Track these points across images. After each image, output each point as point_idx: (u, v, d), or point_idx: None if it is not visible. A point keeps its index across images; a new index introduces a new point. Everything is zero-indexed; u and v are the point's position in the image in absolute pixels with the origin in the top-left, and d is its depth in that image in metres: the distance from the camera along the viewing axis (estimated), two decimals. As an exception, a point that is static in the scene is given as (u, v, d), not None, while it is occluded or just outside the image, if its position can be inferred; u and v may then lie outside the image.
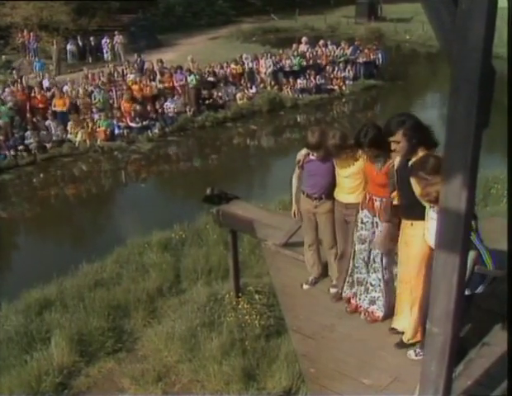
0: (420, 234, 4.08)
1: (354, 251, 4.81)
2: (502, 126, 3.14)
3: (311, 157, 5.08)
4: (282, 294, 5.41)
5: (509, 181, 3.60)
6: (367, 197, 4.64)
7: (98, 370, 6.08)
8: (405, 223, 4.27)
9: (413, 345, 4.35)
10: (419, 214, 4.01)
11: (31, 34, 24.22)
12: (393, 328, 4.57)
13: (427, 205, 3.86)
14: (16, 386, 5.67)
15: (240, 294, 6.85)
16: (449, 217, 2.79)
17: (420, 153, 4.04)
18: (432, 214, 3.81)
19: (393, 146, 4.16)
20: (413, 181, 3.88)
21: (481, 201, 9.75)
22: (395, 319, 4.57)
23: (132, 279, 7.92)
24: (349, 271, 4.92)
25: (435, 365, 3.10)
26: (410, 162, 4.10)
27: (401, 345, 4.41)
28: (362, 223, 4.70)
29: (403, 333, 4.45)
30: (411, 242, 4.21)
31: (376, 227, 4.62)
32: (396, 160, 4.31)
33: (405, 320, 4.42)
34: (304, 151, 5.16)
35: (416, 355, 4.23)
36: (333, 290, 5.23)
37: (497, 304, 4.30)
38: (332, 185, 5.01)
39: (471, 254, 3.30)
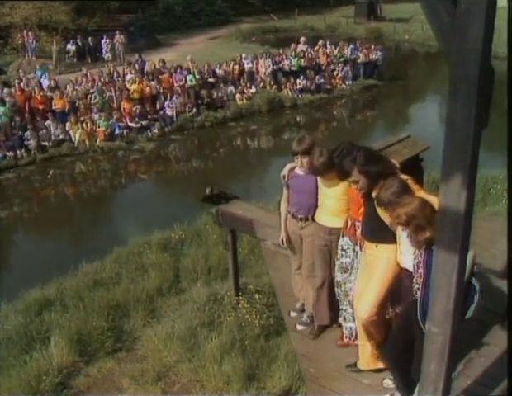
0: (385, 257, 3.93)
1: (337, 281, 4.50)
2: (502, 126, 3.15)
3: (297, 171, 4.70)
4: (281, 294, 5.42)
5: (509, 181, 3.60)
6: (350, 223, 4.29)
7: (98, 369, 6.07)
8: (369, 245, 4.06)
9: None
10: (384, 237, 3.87)
11: (30, 33, 24.20)
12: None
13: (398, 228, 3.71)
14: (16, 386, 5.66)
15: (240, 294, 6.85)
16: (449, 217, 2.79)
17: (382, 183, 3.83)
18: (403, 238, 3.68)
19: (353, 185, 3.97)
20: (380, 209, 3.75)
21: (481, 201, 9.77)
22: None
23: (132, 279, 7.92)
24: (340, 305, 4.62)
25: (434, 364, 3.10)
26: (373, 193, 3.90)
27: (354, 368, 4.23)
28: (342, 250, 4.37)
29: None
30: (374, 263, 4.01)
31: (356, 256, 4.29)
32: None
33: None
34: (289, 166, 4.77)
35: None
36: (300, 326, 4.96)
37: (497, 304, 4.31)
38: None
39: (471, 254, 3.30)
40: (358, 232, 4.20)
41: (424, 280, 3.43)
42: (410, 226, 3.40)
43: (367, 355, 4.18)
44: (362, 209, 4.13)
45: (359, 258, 4.26)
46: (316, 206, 4.60)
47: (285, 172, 4.78)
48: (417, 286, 3.53)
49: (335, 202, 4.43)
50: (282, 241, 4.98)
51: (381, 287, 3.96)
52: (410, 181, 3.79)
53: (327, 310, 4.72)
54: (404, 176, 3.85)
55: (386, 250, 3.92)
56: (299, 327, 4.99)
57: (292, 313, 5.21)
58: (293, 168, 4.74)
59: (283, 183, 4.82)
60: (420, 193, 3.68)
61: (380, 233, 3.90)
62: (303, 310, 5.10)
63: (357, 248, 4.26)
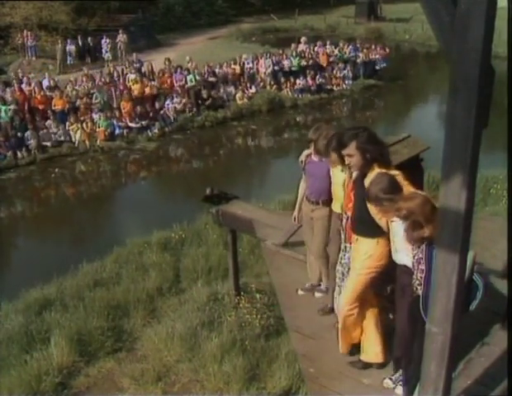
0: (363, 252, 3.97)
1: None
2: (502, 126, 3.15)
3: (313, 158, 4.95)
4: (281, 294, 5.41)
5: (509, 181, 3.60)
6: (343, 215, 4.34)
7: (98, 369, 6.07)
8: (353, 237, 4.10)
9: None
10: (365, 231, 3.93)
11: (30, 33, 24.19)
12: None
13: (392, 225, 3.73)
14: (16, 386, 5.66)
15: (241, 294, 6.86)
16: (449, 217, 2.79)
17: (376, 170, 3.84)
18: (399, 231, 3.67)
19: (347, 160, 3.95)
20: (370, 202, 3.77)
21: (481, 201, 9.77)
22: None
23: (132, 279, 7.92)
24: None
25: (435, 364, 3.10)
26: (365, 179, 3.91)
27: (361, 364, 4.21)
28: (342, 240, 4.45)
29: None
30: (355, 258, 4.07)
31: (344, 250, 4.33)
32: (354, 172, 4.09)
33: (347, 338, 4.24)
34: (306, 152, 5.04)
35: (394, 383, 3.95)
36: (319, 293, 5.18)
37: (497, 304, 4.31)
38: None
39: (471, 254, 3.30)
40: (343, 222, 4.29)
41: (426, 276, 3.44)
42: (407, 221, 3.43)
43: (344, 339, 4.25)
44: (351, 204, 4.17)
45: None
46: (328, 192, 4.81)
47: (302, 157, 5.07)
48: (417, 282, 3.54)
49: (339, 188, 4.53)
50: (294, 218, 5.39)
51: (357, 282, 4.02)
52: (400, 177, 3.81)
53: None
54: (395, 171, 3.87)
55: (366, 244, 3.96)
56: (317, 294, 5.20)
57: (300, 292, 5.31)
58: (310, 154, 4.99)
59: (301, 168, 5.12)
60: (409, 189, 3.71)
61: (363, 226, 3.95)
62: (311, 290, 5.25)
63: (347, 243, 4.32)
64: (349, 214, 4.15)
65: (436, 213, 3.21)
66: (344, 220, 4.26)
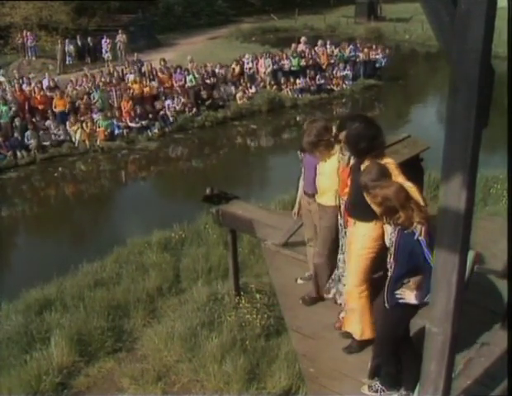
0: (361, 234, 4.09)
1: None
2: (502, 126, 3.15)
3: None
4: (281, 294, 5.41)
5: (509, 180, 3.60)
6: (340, 201, 4.48)
7: (98, 369, 6.08)
8: (350, 222, 4.24)
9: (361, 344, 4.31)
10: (362, 214, 4.03)
11: (30, 33, 24.19)
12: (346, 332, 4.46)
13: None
14: (16, 386, 5.66)
15: (241, 294, 6.86)
16: (449, 217, 2.79)
17: (367, 161, 4.00)
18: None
19: (342, 143, 4.26)
20: (364, 192, 3.88)
21: (481, 201, 9.77)
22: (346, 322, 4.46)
23: (132, 279, 7.92)
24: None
25: (435, 364, 3.10)
26: (361, 166, 4.06)
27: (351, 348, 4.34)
28: (341, 228, 4.54)
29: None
30: (353, 241, 4.19)
31: (345, 234, 4.44)
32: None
33: (355, 323, 4.33)
34: None
35: (371, 390, 3.96)
36: (300, 281, 5.34)
37: (497, 303, 4.31)
38: None
39: (471, 254, 3.31)
40: (342, 208, 4.40)
41: (395, 258, 3.57)
42: (382, 207, 3.58)
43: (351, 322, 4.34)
44: (346, 190, 4.27)
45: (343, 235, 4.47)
46: None
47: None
48: (390, 265, 3.65)
49: (323, 179, 4.64)
50: (294, 213, 5.44)
51: (359, 263, 4.11)
52: (392, 165, 3.94)
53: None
54: (388, 160, 4.00)
55: (364, 227, 4.07)
56: (299, 281, 5.33)
57: (299, 281, 5.37)
58: None
59: (300, 160, 5.17)
60: (399, 179, 3.82)
61: (360, 211, 4.03)
62: (310, 279, 5.26)
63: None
64: (345, 199, 4.28)
65: (410, 200, 3.48)
66: (343, 206, 4.36)
